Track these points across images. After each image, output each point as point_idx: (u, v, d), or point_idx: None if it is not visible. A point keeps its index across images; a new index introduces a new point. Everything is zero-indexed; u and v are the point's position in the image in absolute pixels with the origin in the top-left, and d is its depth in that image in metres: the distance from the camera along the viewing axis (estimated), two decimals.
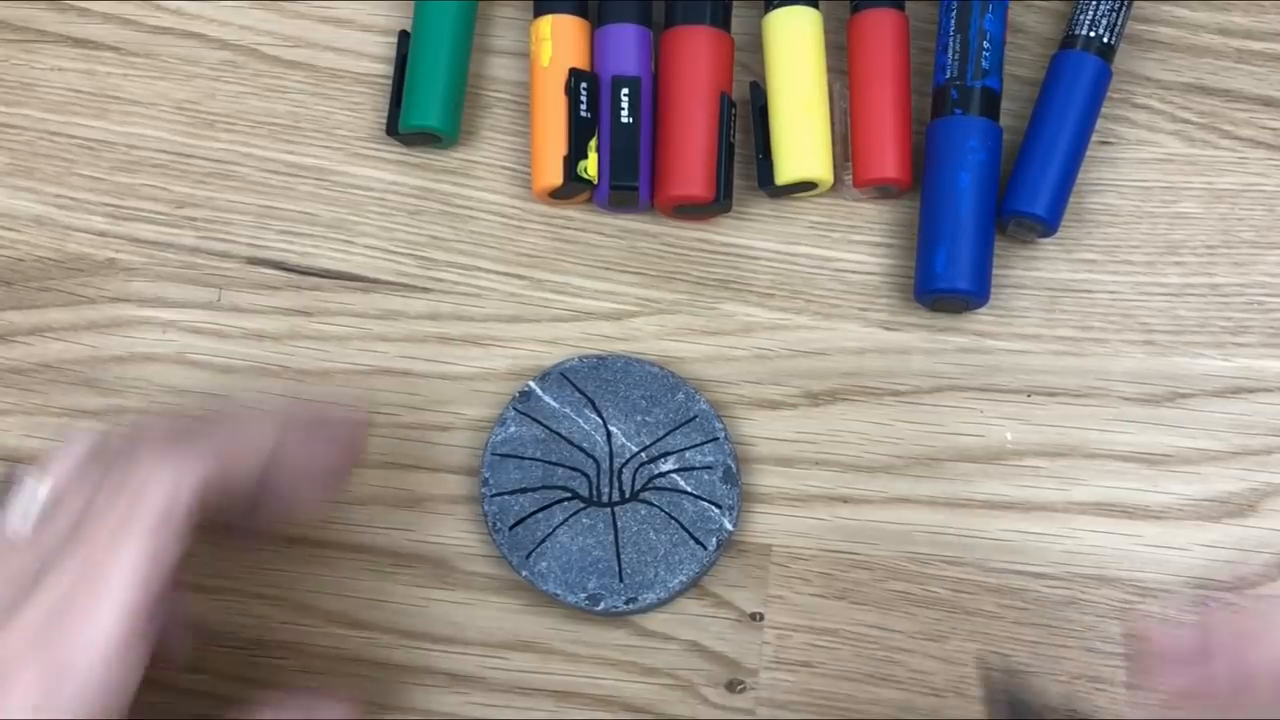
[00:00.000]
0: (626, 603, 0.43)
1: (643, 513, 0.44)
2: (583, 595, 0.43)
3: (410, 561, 0.45)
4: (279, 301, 0.47)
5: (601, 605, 0.43)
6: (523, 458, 0.44)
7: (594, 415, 0.45)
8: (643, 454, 0.44)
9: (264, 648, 0.44)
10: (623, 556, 0.43)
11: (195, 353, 0.47)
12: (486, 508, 0.44)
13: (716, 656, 0.44)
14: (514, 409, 0.45)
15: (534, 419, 0.44)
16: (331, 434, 0.38)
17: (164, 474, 0.33)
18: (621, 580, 0.43)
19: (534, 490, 0.44)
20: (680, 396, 0.45)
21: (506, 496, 0.44)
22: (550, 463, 0.44)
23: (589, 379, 0.45)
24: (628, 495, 0.44)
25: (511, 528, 0.43)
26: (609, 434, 0.45)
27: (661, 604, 0.44)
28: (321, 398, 0.46)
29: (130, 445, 0.34)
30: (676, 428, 0.44)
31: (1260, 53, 0.50)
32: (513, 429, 0.44)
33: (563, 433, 0.44)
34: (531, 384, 0.45)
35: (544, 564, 0.43)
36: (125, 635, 0.32)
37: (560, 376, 0.45)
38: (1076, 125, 0.47)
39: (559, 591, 0.43)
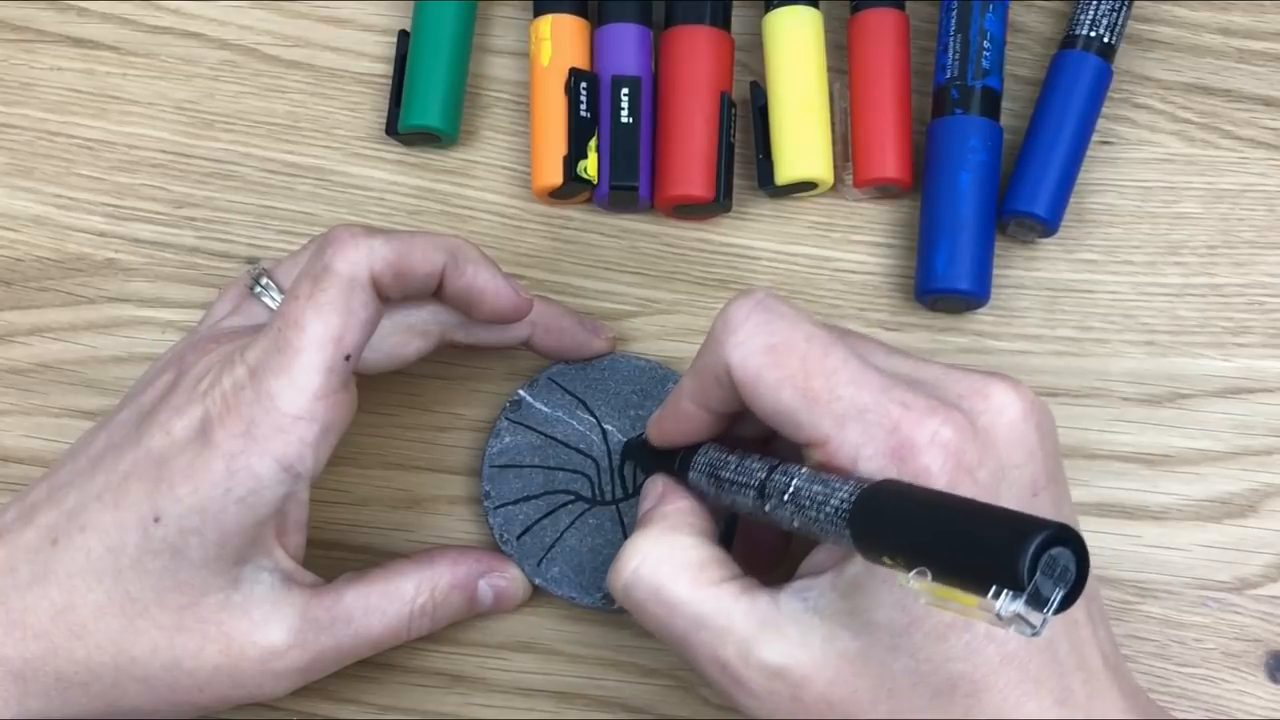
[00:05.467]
0: None
1: None
2: (598, 595, 0.43)
3: None
4: None
5: (618, 604, 0.43)
6: (521, 466, 0.44)
7: (587, 415, 0.45)
8: (643, 437, 0.44)
9: None
10: None
11: None
12: (491, 520, 0.43)
13: None
14: (506, 419, 0.44)
15: (528, 427, 0.44)
16: (494, 282, 0.40)
17: (350, 248, 0.36)
18: None
19: (537, 497, 0.44)
20: (671, 386, 0.45)
21: (510, 507, 0.44)
22: (549, 468, 0.44)
23: (577, 380, 0.45)
24: (630, 491, 0.44)
25: (519, 537, 0.43)
26: (604, 432, 0.45)
27: None
28: None
29: (325, 233, 0.37)
30: None
31: (1261, 52, 0.50)
32: (508, 439, 0.44)
33: (558, 437, 0.44)
34: (521, 391, 0.45)
35: (556, 569, 0.43)
36: (318, 389, 0.36)
37: (549, 381, 0.45)
38: (1077, 125, 0.46)
39: (574, 595, 0.43)
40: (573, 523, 0.43)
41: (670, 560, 0.36)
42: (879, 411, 0.33)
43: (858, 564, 0.33)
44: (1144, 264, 0.48)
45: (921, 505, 0.29)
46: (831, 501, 0.32)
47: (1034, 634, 0.26)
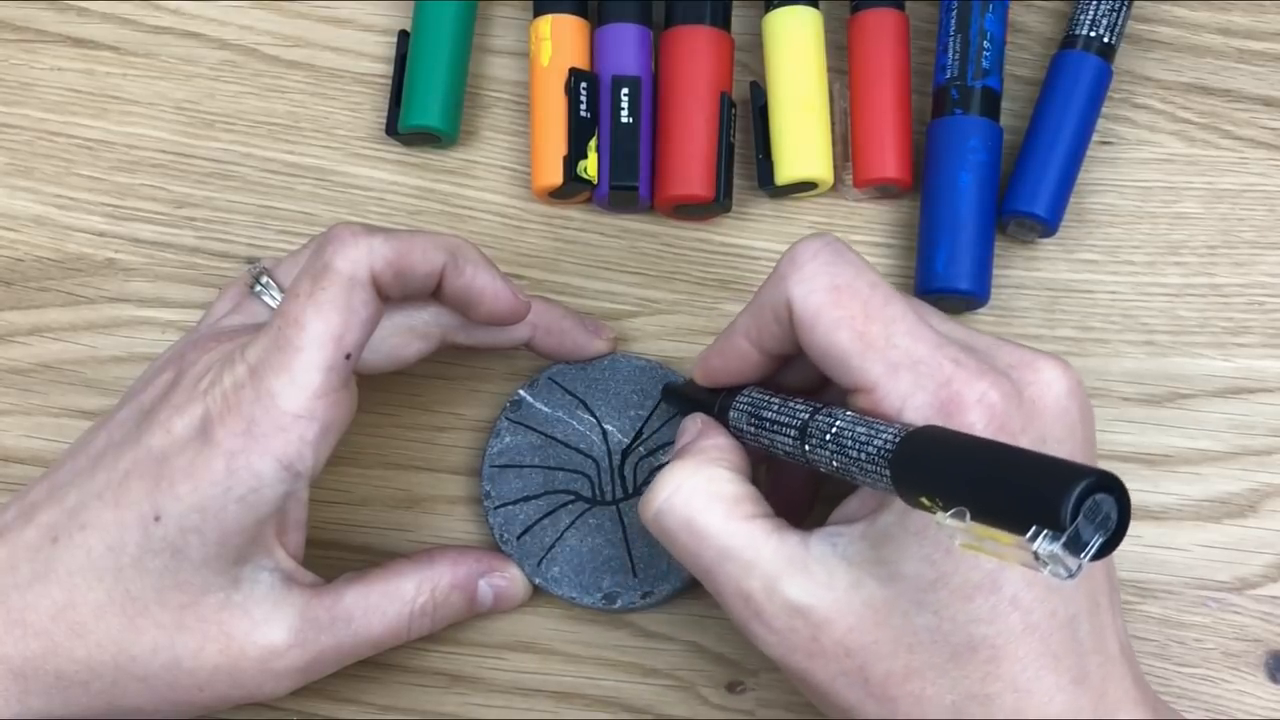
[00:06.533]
0: (643, 597, 0.43)
1: None
2: (598, 595, 0.43)
3: None
4: None
5: (619, 603, 0.43)
6: (522, 466, 0.44)
7: (587, 415, 0.45)
8: (640, 447, 0.44)
9: None
10: (634, 552, 0.43)
11: None
12: (492, 520, 0.43)
13: (716, 656, 0.44)
14: (506, 419, 0.44)
15: (528, 426, 0.44)
16: (493, 283, 0.40)
17: (350, 246, 0.36)
18: (635, 575, 0.43)
19: (537, 497, 0.44)
20: None
21: (510, 507, 0.44)
22: (550, 468, 0.44)
23: (577, 380, 0.45)
24: (631, 491, 0.44)
25: (519, 537, 0.43)
26: (604, 432, 0.45)
27: (676, 595, 0.43)
28: None
29: (325, 232, 0.37)
30: (672, 417, 0.44)
31: (1261, 53, 0.50)
32: (508, 439, 0.44)
33: (558, 437, 0.44)
34: (521, 391, 0.45)
35: (556, 569, 0.43)
36: (318, 387, 0.35)
37: (549, 381, 0.45)
38: (1077, 125, 0.46)
39: (574, 594, 0.43)
40: (573, 523, 0.43)
41: (705, 491, 0.36)
42: (932, 365, 0.33)
43: (890, 515, 0.34)
44: (1144, 264, 0.48)
45: (966, 449, 0.29)
46: (874, 443, 0.32)
47: (1069, 577, 0.26)
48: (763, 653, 0.36)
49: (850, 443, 0.33)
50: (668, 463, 0.38)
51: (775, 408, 0.37)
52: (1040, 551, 0.25)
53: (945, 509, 0.27)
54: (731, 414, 0.39)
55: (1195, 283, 0.47)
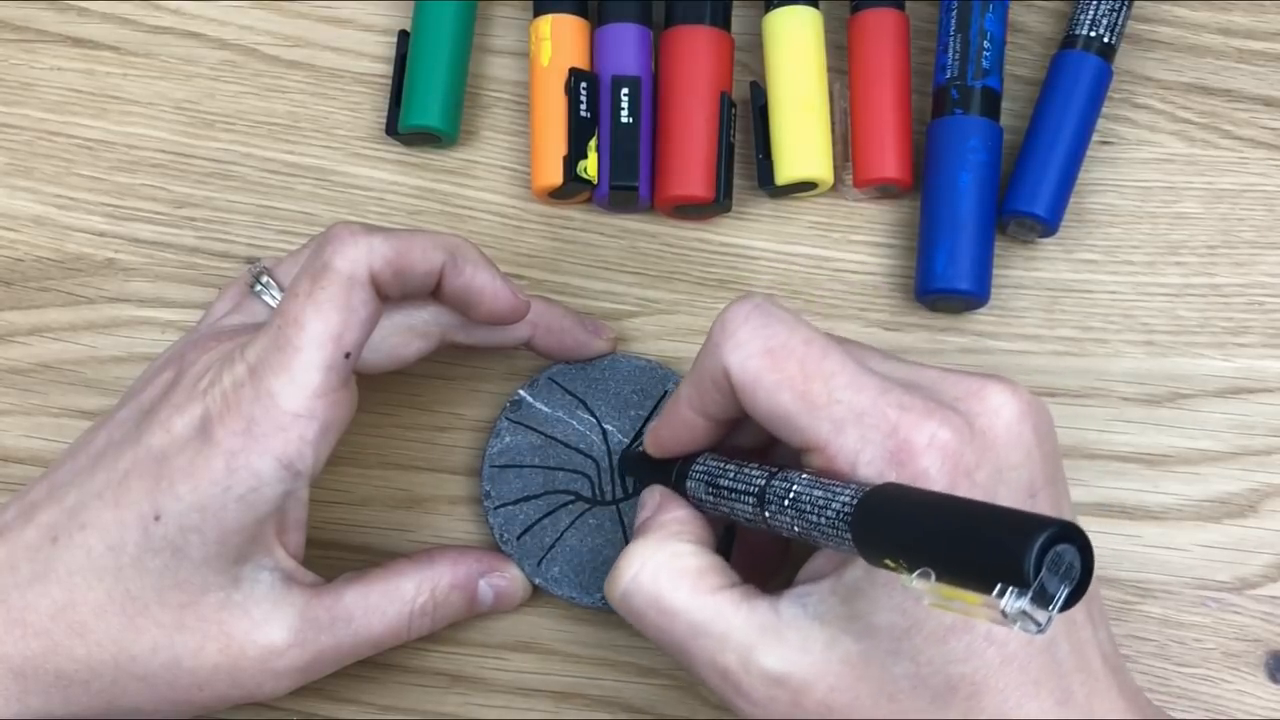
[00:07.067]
0: None
1: None
2: (598, 595, 0.43)
3: None
4: None
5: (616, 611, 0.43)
6: (522, 466, 0.44)
7: (587, 415, 0.45)
8: (640, 448, 0.44)
9: None
10: None
11: None
12: (492, 520, 0.43)
13: None
14: (506, 419, 0.44)
15: (528, 427, 0.44)
16: (493, 282, 0.40)
17: (349, 246, 0.36)
18: None
19: (537, 497, 0.44)
20: (671, 386, 0.45)
21: (510, 507, 0.44)
22: (550, 468, 0.44)
23: (577, 380, 0.45)
24: (631, 491, 0.44)
25: (519, 537, 0.43)
26: (604, 432, 0.45)
27: None
28: None
29: (325, 231, 0.37)
30: None
31: (1261, 52, 0.50)
32: (508, 439, 0.44)
33: (558, 437, 0.44)
34: (521, 391, 0.45)
35: (556, 569, 0.43)
36: (318, 386, 0.35)
37: (549, 381, 0.45)
38: (1077, 125, 0.46)
39: (574, 595, 0.43)
40: (573, 523, 0.43)
41: (669, 567, 0.36)
42: (877, 415, 0.33)
43: (857, 569, 0.33)
44: (1144, 264, 0.48)
45: (924, 507, 0.29)
46: (833, 506, 0.32)
47: (1039, 631, 0.26)
48: None
49: (809, 507, 0.33)
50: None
51: (731, 475, 0.37)
52: (1008, 609, 0.25)
53: (910, 570, 0.27)
54: (688, 483, 0.39)
55: (1195, 283, 0.47)
